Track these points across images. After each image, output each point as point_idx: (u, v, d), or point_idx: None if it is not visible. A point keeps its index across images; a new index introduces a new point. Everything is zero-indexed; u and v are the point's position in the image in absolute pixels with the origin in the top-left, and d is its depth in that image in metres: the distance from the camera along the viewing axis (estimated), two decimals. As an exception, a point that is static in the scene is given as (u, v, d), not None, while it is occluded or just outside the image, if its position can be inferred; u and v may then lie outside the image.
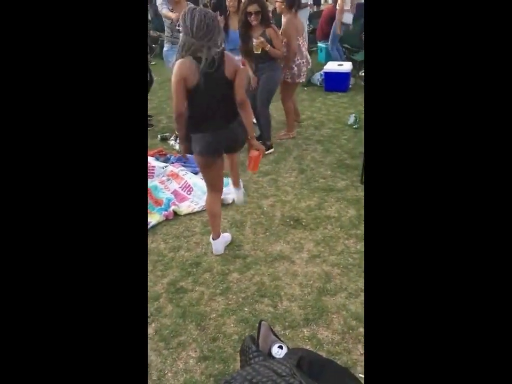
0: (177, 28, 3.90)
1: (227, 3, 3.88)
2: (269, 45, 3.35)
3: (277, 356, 1.10)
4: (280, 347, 1.12)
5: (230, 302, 2.10)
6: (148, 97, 4.79)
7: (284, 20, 3.76)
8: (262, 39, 3.33)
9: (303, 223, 2.72)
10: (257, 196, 3.10)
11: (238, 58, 4.18)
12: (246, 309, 2.04)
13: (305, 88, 5.56)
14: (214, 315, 2.02)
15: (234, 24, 3.88)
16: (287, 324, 1.94)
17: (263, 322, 1.17)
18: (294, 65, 3.73)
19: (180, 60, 1.91)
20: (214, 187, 2.32)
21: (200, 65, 1.89)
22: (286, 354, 1.07)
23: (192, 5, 1.94)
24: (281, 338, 1.22)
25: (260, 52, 3.42)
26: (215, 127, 2.06)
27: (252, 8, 3.25)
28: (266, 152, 3.77)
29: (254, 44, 3.39)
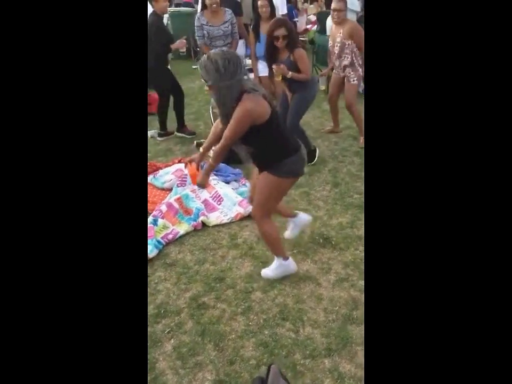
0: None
1: (259, 10, 3.94)
2: (290, 72, 3.29)
3: (284, 405, 1.04)
4: (288, 395, 1.05)
5: (250, 323, 2.04)
6: (188, 102, 4.86)
7: (337, 27, 3.76)
8: (281, 65, 3.27)
9: (333, 242, 2.61)
10: (287, 209, 3.03)
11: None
12: (266, 332, 1.98)
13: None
14: (233, 336, 1.98)
15: (265, 29, 3.91)
16: (307, 352, 1.85)
17: (272, 366, 1.11)
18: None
19: (252, 102, 1.87)
20: (273, 210, 2.29)
21: (260, 92, 1.93)
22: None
23: (206, 55, 1.88)
24: (290, 382, 1.15)
25: (280, 79, 3.37)
26: (296, 146, 2.11)
27: (279, 32, 3.20)
28: (309, 164, 3.66)
29: (274, 70, 3.32)
